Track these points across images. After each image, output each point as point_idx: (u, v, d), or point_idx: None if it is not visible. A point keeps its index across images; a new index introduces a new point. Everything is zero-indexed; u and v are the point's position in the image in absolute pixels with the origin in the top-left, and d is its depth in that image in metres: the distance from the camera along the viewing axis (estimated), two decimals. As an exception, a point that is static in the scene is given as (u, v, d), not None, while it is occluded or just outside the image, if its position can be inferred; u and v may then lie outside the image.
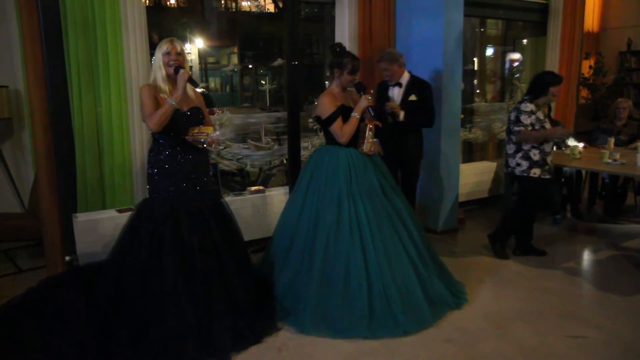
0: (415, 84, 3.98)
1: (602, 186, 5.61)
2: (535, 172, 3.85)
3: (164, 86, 2.81)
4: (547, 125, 3.88)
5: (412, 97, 3.93)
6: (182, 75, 2.77)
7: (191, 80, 2.82)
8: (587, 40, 7.08)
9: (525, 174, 3.89)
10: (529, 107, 3.83)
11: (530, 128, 3.80)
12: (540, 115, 3.86)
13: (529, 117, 3.80)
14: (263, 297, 3.03)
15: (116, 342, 2.52)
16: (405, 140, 4.01)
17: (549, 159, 3.90)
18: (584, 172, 5.22)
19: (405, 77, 3.99)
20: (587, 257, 4.21)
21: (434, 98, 4.03)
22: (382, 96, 4.00)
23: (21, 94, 4.24)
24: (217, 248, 2.84)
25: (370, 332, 2.82)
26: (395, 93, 4.00)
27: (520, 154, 3.90)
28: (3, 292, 3.40)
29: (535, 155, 3.84)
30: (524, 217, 4.06)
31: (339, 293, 2.92)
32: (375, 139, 3.25)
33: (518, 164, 3.91)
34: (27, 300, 2.86)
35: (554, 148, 5.07)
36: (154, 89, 2.79)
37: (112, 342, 2.52)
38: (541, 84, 3.86)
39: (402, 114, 3.84)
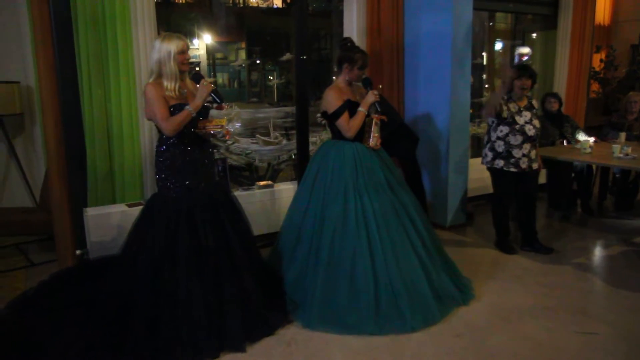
0: None
1: (613, 181, 5.57)
2: (499, 163, 3.89)
3: (172, 84, 2.73)
4: (521, 120, 3.81)
5: None
6: (207, 86, 2.70)
7: (216, 92, 2.77)
8: (598, 33, 7.02)
9: (489, 165, 3.99)
10: (503, 94, 3.90)
11: (505, 107, 3.83)
12: (512, 107, 3.83)
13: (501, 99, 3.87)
14: (274, 290, 3.05)
15: (130, 335, 2.54)
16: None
17: (517, 152, 3.81)
18: (594, 167, 5.18)
19: None
20: (597, 252, 4.18)
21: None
22: None
23: (32, 90, 4.28)
24: (229, 241, 2.86)
25: (377, 327, 2.82)
26: None
27: (488, 145, 3.99)
28: (16, 285, 3.45)
29: (499, 146, 3.88)
30: (494, 208, 4.16)
31: (346, 288, 2.92)
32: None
33: (485, 155, 4.02)
34: (39, 293, 2.90)
35: (565, 143, 5.04)
36: (160, 87, 2.72)
37: (126, 335, 2.54)
38: (509, 78, 3.90)
39: None
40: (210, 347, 2.59)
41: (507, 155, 3.85)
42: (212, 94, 2.75)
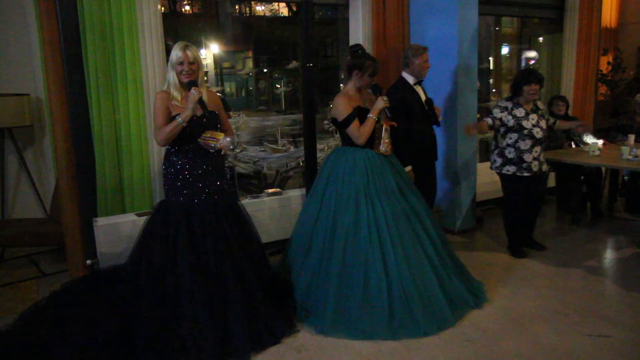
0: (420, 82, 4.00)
1: (622, 183, 5.52)
2: (509, 169, 3.87)
3: (177, 94, 2.81)
4: (529, 124, 3.77)
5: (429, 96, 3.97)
6: (193, 95, 2.70)
7: (201, 102, 2.76)
8: (604, 36, 6.97)
9: (498, 171, 3.97)
10: (504, 103, 3.87)
11: (498, 122, 3.83)
12: (518, 113, 3.80)
13: (501, 112, 3.83)
14: (282, 299, 3.03)
15: (135, 345, 2.54)
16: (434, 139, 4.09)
17: (528, 156, 3.78)
18: (603, 169, 5.15)
19: None
20: (608, 255, 4.15)
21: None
22: (412, 98, 3.87)
23: (42, 102, 4.33)
24: (232, 250, 2.85)
25: (391, 333, 2.82)
26: (421, 92, 3.94)
27: (497, 151, 3.96)
28: (28, 295, 3.48)
29: (510, 153, 3.85)
30: (507, 213, 4.11)
31: (359, 294, 2.91)
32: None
33: (494, 160, 3.99)
34: (51, 303, 2.92)
35: (573, 145, 5.02)
36: (168, 95, 2.80)
37: (130, 345, 2.54)
38: (515, 83, 3.88)
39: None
40: (215, 357, 2.58)
41: (518, 160, 3.82)
42: (198, 103, 2.74)
